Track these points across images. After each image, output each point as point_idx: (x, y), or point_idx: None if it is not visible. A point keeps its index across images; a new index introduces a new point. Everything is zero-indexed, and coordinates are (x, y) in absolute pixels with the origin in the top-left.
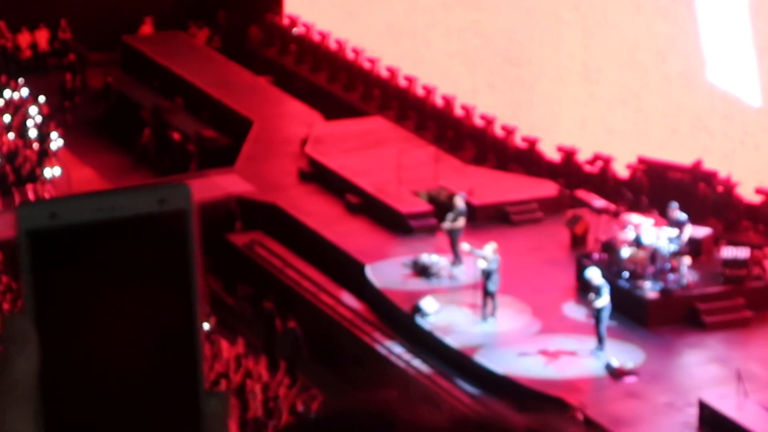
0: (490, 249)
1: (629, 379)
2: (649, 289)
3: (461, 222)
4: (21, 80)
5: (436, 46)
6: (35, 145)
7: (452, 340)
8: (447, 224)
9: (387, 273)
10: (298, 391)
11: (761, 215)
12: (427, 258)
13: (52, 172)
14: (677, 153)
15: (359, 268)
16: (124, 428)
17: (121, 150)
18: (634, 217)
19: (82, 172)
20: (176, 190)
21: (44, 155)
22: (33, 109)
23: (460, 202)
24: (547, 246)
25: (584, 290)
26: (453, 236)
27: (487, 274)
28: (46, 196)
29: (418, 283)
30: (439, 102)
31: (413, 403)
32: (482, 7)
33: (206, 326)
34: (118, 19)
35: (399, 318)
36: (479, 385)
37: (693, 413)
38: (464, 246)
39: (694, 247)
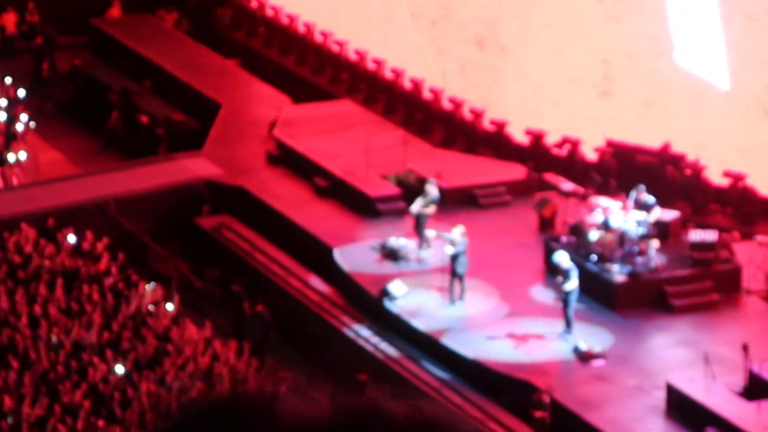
0: (458, 232)
1: (597, 363)
2: (617, 272)
3: (431, 209)
4: None
5: (404, 30)
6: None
7: (420, 324)
8: (415, 207)
9: (355, 256)
10: (267, 374)
11: (729, 198)
12: (396, 241)
13: (17, 156)
14: (645, 136)
15: (327, 251)
16: None
17: (90, 133)
18: (602, 200)
19: (50, 155)
20: None
21: (11, 139)
22: None
23: (432, 189)
24: (515, 229)
25: (552, 273)
26: (420, 220)
27: (454, 258)
28: (14, 180)
29: (386, 267)
30: (407, 85)
31: (295, 397)
32: None
33: (170, 307)
34: (86, 2)
35: (367, 301)
36: (448, 368)
37: (661, 396)
38: (430, 233)
39: (662, 230)
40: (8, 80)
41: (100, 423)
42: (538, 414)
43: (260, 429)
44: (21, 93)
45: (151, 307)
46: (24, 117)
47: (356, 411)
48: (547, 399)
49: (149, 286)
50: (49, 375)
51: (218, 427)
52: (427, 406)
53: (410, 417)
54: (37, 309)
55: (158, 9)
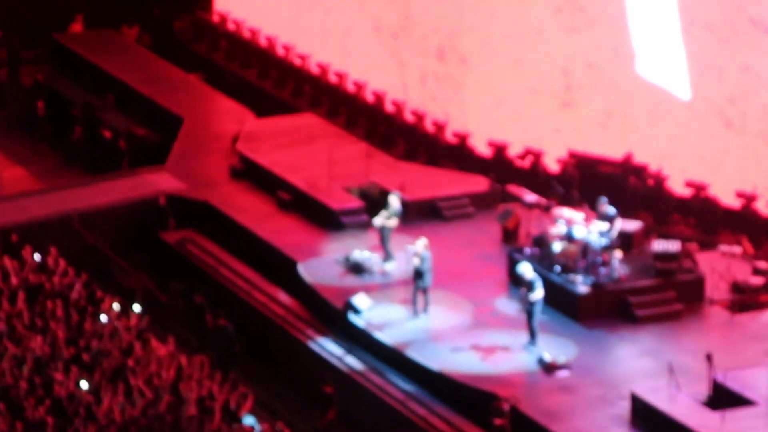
0: (421, 245)
1: (561, 373)
2: (581, 283)
3: (394, 221)
4: None
5: (366, 43)
6: None
7: (385, 337)
8: (378, 220)
9: (319, 269)
10: (230, 388)
11: (691, 208)
12: (359, 254)
13: None
14: (607, 146)
15: (292, 264)
16: None
17: (52, 148)
18: (565, 212)
19: (13, 171)
20: None
21: None
22: None
23: (395, 202)
24: (478, 241)
25: (516, 285)
26: (384, 233)
27: (418, 271)
28: None
29: (350, 280)
30: (370, 98)
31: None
32: (411, 1)
33: (134, 321)
34: (49, 17)
35: (332, 315)
36: (413, 380)
37: (625, 406)
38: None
39: (625, 241)
40: None
41: None
42: (498, 422)
43: None
44: None
45: (115, 322)
46: None
47: None
48: (506, 407)
49: (115, 303)
50: (11, 391)
51: None
52: None
53: None
54: (0, 325)
55: (120, 24)
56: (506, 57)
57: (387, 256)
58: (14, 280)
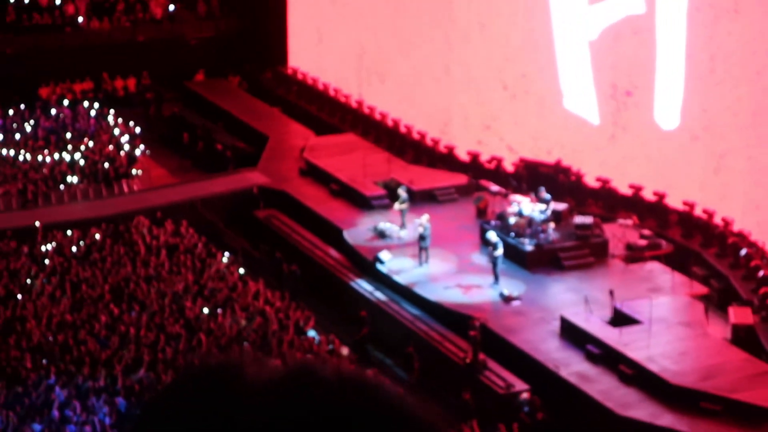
0: (424, 218)
1: (515, 303)
2: (528, 245)
3: (406, 204)
4: (113, 111)
5: (393, 82)
6: (123, 153)
7: (400, 279)
8: (397, 205)
9: (357, 235)
10: (299, 312)
11: (600, 195)
12: (383, 225)
13: (137, 172)
14: (544, 154)
15: (339, 232)
16: None
17: (183, 157)
18: (517, 197)
19: (158, 171)
20: None
21: (132, 160)
22: (123, 129)
23: (402, 192)
24: (461, 217)
25: (485, 245)
26: (403, 213)
27: (422, 236)
28: (134, 187)
29: (377, 242)
30: (390, 123)
31: (246, 360)
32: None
33: (238, 269)
34: (182, 71)
35: (365, 264)
36: (419, 308)
37: (557, 325)
38: (417, 220)
39: (556, 217)
40: (131, 123)
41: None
42: (472, 333)
43: (225, 394)
44: (137, 130)
45: (224, 269)
46: (141, 147)
47: (295, 372)
48: (478, 324)
49: (224, 257)
50: (156, 315)
51: (187, 394)
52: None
53: (341, 377)
54: (150, 271)
55: (227, 75)
56: (495, 79)
57: (402, 226)
58: (159, 241)
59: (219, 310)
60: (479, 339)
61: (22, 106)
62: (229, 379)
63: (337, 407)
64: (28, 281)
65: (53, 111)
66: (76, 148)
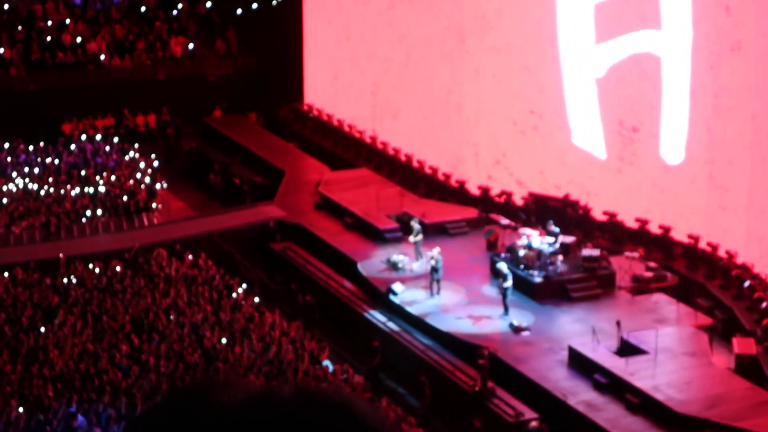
0: (436, 251)
1: (524, 333)
2: (537, 277)
3: (420, 237)
4: (137, 145)
5: (406, 118)
6: (143, 187)
7: (413, 309)
8: (411, 238)
9: (371, 267)
10: (314, 342)
11: (607, 228)
12: (396, 257)
13: (157, 205)
14: (553, 188)
15: (353, 264)
16: None
17: (201, 190)
18: (527, 230)
19: (177, 204)
20: None
21: (152, 194)
22: (144, 164)
23: (416, 225)
24: (471, 249)
25: (495, 277)
26: (416, 245)
27: (434, 268)
28: (154, 220)
29: (390, 274)
30: (402, 158)
31: (213, 384)
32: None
33: (254, 299)
34: (200, 108)
35: (379, 295)
36: (431, 338)
37: (565, 354)
38: (429, 252)
39: (564, 249)
40: (152, 156)
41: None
42: (481, 361)
43: (192, 415)
44: (157, 164)
45: (241, 300)
46: (161, 182)
47: (256, 394)
48: (486, 352)
49: (241, 288)
50: (175, 344)
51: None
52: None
53: (298, 395)
54: (168, 302)
55: (245, 111)
56: (502, 117)
57: (417, 258)
58: (178, 273)
59: (235, 340)
60: (488, 367)
61: (46, 142)
62: (196, 403)
63: (292, 423)
64: (51, 312)
65: (75, 146)
66: (97, 183)
